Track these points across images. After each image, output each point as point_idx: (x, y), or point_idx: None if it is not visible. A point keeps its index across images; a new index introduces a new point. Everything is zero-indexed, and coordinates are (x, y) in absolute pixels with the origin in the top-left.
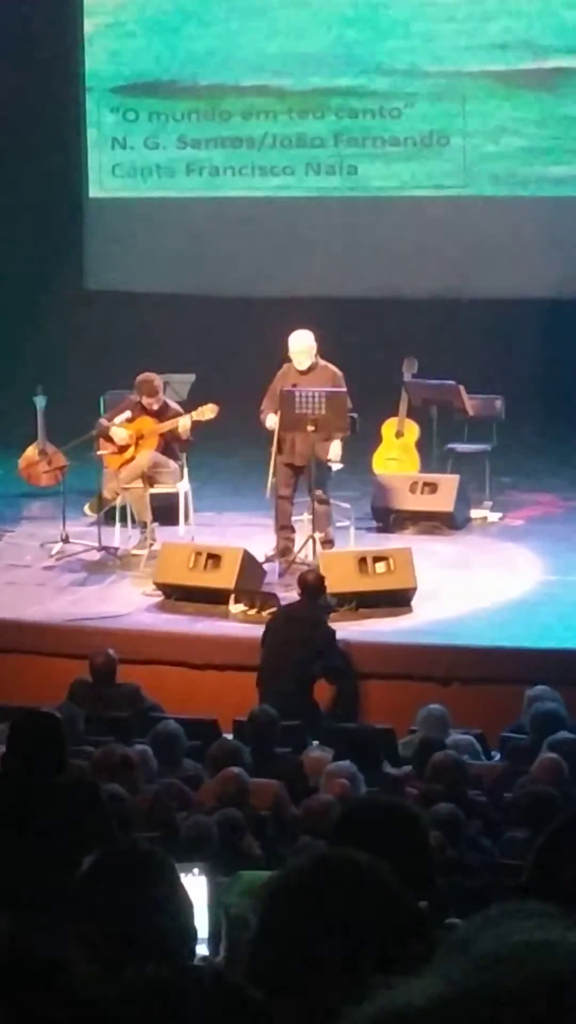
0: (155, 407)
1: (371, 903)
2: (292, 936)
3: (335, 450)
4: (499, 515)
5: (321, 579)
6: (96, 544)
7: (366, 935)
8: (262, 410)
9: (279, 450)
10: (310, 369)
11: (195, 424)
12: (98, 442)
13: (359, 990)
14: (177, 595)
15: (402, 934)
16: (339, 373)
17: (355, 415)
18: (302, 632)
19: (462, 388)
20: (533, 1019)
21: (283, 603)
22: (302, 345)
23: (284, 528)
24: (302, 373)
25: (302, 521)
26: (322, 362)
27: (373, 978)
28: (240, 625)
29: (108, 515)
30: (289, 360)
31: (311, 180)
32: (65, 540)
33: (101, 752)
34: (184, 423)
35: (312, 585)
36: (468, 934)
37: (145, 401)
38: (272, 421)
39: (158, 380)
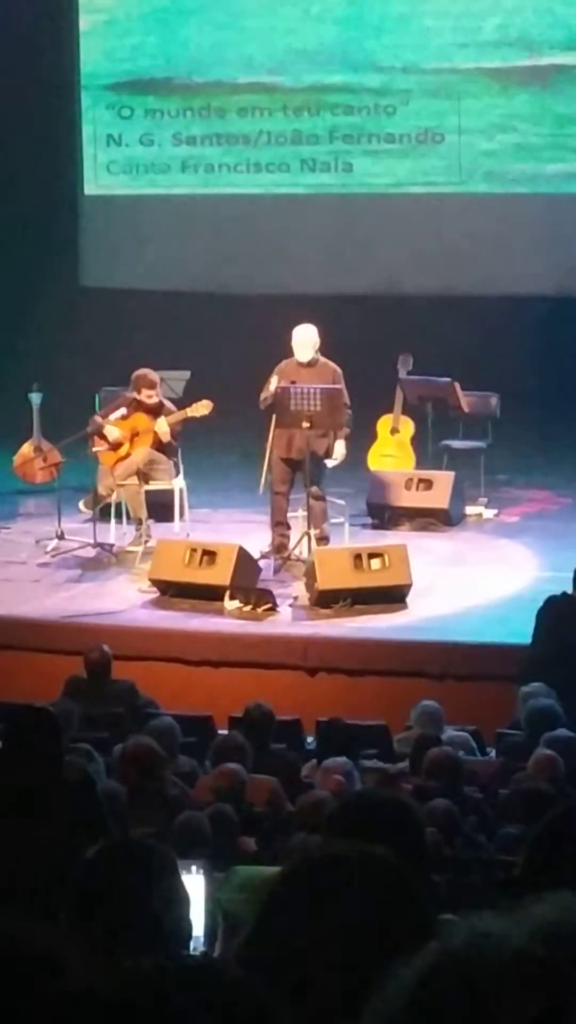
0: (153, 400)
1: (380, 899)
2: (295, 932)
3: (339, 449)
4: (494, 512)
5: None
6: (91, 541)
7: (371, 931)
8: (263, 399)
9: (275, 446)
10: (311, 363)
11: (189, 420)
12: (92, 439)
13: (361, 987)
14: (172, 592)
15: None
16: (339, 371)
17: (349, 411)
18: None
19: (457, 385)
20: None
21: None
22: (304, 336)
23: (279, 524)
24: (302, 366)
25: (297, 517)
26: (322, 359)
27: (374, 975)
28: (235, 622)
29: (103, 512)
30: (291, 355)
31: (306, 177)
32: (60, 537)
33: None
34: (161, 427)
35: None
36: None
37: (144, 394)
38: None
39: (154, 375)
